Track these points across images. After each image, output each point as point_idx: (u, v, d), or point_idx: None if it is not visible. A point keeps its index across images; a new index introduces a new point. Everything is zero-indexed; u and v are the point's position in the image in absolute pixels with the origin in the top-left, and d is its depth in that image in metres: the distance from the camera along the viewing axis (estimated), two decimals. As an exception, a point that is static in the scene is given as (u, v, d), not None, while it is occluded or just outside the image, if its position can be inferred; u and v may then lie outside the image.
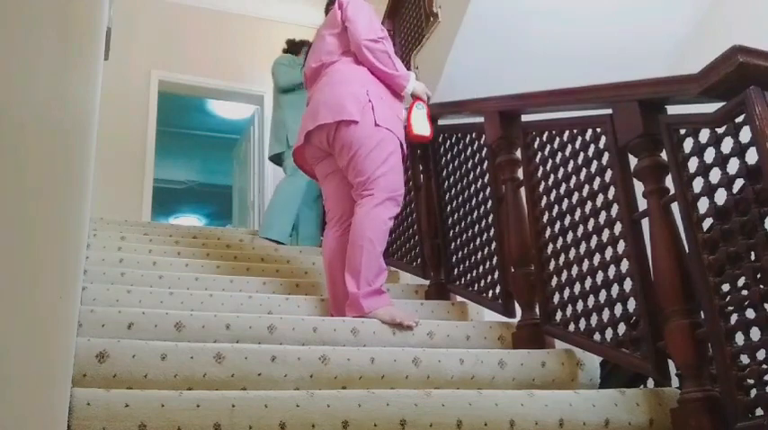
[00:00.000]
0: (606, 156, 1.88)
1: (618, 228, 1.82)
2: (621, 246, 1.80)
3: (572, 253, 1.99)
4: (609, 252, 1.85)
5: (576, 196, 1.99)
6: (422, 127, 2.76)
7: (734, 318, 1.45)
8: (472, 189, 2.59)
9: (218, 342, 1.88)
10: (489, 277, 2.43)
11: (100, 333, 1.80)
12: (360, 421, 1.36)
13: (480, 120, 2.49)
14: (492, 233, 2.43)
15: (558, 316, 2.03)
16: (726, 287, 1.47)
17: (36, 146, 0.92)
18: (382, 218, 2.36)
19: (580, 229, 1.96)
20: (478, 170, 2.57)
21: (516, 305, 2.25)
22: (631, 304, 1.76)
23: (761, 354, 1.38)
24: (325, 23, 2.72)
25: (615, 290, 1.82)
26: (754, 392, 1.39)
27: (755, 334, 1.39)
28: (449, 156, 2.79)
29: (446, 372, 1.79)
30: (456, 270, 2.66)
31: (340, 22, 2.60)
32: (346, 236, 2.41)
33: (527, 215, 2.19)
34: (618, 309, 1.81)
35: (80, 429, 1.18)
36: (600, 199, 1.89)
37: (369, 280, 2.25)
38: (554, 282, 2.06)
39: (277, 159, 4.53)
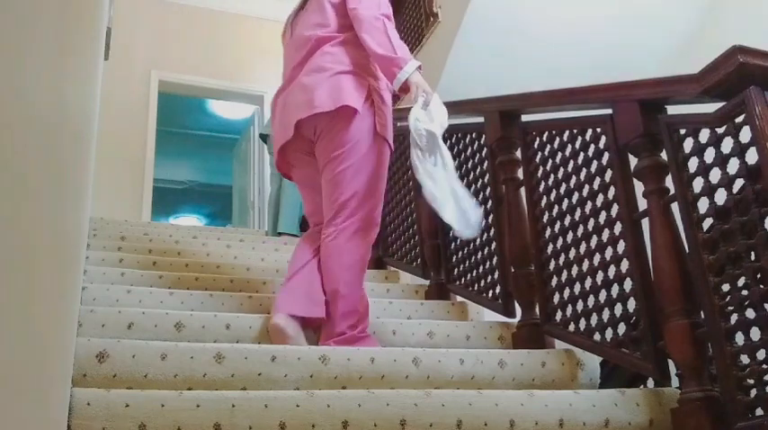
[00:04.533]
0: (606, 156, 1.88)
1: (618, 227, 1.82)
2: (621, 245, 1.80)
3: (572, 253, 1.98)
4: (609, 252, 1.85)
5: (575, 196, 1.99)
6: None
7: (734, 317, 1.45)
8: (472, 189, 2.59)
9: (218, 342, 1.88)
10: (489, 277, 2.43)
11: (100, 333, 1.80)
12: (360, 421, 1.36)
13: (480, 120, 2.49)
14: (492, 233, 2.43)
15: (558, 316, 2.03)
16: (726, 287, 1.47)
17: (36, 145, 0.92)
18: (360, 252, 2.09)
19: (580, 229, 1.96)
20: (478, 170, 2.57)
21: (516, 305, 2.25)
22: (631, 304, 1.76)
23: (761, 354, 1.38)
24: None
25: (615, 290, 1.82)
26: (754, 392, 1.39)
27: (755, 334, 1.38)
28: (449, 156, 2.78)
29: (446, 372, 1.79)
30: (456, 270, 2.66)
31: None
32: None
33: (527, 215, 2.19)
34: (618, 309, 1.81)
35: (80, 429, 1.18)
36: (600, 199, 1.89)
37: (344, 329, 2.01)
38: (554, 282, 2.05)
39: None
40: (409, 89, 2.14)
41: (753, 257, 1.42)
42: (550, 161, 2.11)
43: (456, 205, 2.04)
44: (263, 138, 4.74)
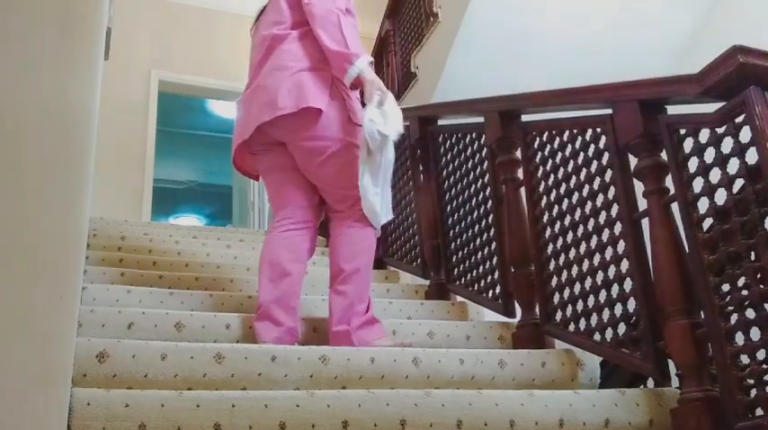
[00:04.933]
0: (606, 156, 1.88)
1: (618, 227, 1.82)
2: (621, 245, 1.80)
3: (572, 253, 1.98)
4: (609, 252, 1.85)
5: (576, 196, 1.99)
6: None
7: (734, 318, 1.45)
8: (472, 189, 2.59)
9: (218, 342, 1.88)
10: (489, 277, 2.43)
11: (100, 333, 1.80)
12: (360, 421, 1.36)
13: (480, 120, 2.49)
14: (492, 233, 2.43)
15: (558, 316, 2.03)
16: (726, 287, 1.47)
17: (36, 145, 0.92)
18: (374, 238, 2.19)
19: (580, 229, 1.96)
20: (478, 170, 2.57)
21: (516, 305, 2.25)
22: (631, 304, 1.76)
23: (761, 354, 1.38)
24: None
25: (615, 290, 1.82)
26: (754, 392, 1.39)
27: (755, 334, 1.38)
28: (449, 156, 2.79)
29: (446, 372, 1.79)
30: (456, 270, 2.66)
31: None
32: (293, 233, 2.16)
33: (527, 215, 2.19)
34: (618, 309, 1.81)
35: (80, 429, 1.18)
36: (600, 199, 1.89)
37: (360, 311, 2.06)
38: (554, 282, 2.05)
39: None
40: (361, 85, 2.10)
41: (753, 257, 1.42)
42: (550, 161, 2.11)
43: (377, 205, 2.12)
44: None
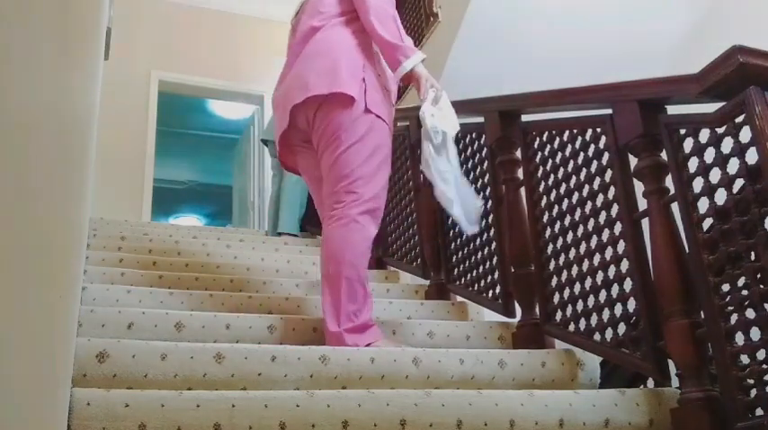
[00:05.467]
0: (606, 156, 1.88)
1: (618, 227, 1.82)
2: (621, 245, 1.80)
3: (572, 253, 1.98)
4: (609, 252, 1.85)
5: (575, 196, 1.99)
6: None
7: (734, 317, 1.45)
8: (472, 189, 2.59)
9: (218, 342, 1.88)
10: (489, 277, 2.43)
11: (100, 333, 1.80)
12: (360, 421, 1.36)
13: (480, 120, 2.49)
14: (492, 233, 2.43)
15: (558, 316, 2.03)
16: (726, 287, 1.47)
17: (37, 146, 0.92)
18: (363, 235, 2.03)
19: (580, 229, 1.96)
20: (478, 170, 2.57)
21: (516, 305, 2.25)
22: (631, 304, 1.76)
23: (761, 354, 1.38)
24: None
25: (615, 290, 1.82)
26: (754, 392, 1.39)
27: (755, 334, 1.38)
28: (449, 156, 2.78)
29: (446, 372, 1.79)
30: (456, 270, 2.66)
31: None
32: None
33: (527, 215, 2.19)
34: (618, 309, 1.81)
35: (80, 429, 1.18)
36: (600, 199, 1.89)
37: (350, 314, 1.96)
38: (554, 282, 2.05)
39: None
40: (411, 80, 2.16)
41: (753, 257, 1.42)
42: (550, 161, 2.11)
43: (460, 205, 2.12)
44: (265, 142, 4.80)
